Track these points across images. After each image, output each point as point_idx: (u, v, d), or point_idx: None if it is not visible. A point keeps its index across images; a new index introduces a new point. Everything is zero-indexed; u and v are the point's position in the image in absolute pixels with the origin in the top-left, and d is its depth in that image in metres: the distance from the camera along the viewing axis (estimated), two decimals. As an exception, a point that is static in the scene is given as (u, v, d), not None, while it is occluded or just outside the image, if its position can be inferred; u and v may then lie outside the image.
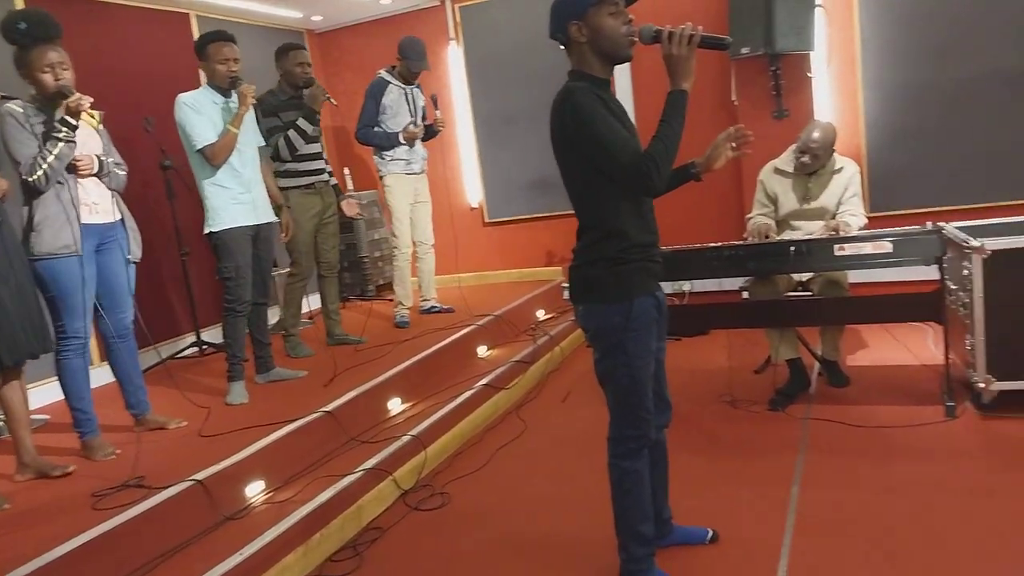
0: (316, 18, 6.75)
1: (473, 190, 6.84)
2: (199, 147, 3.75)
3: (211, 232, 3.84)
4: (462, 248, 6.88)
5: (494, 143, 6.66)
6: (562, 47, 2.32)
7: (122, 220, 3.47)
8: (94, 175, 3.30)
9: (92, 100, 3.16)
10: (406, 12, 6.74)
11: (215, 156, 3.76)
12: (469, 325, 4.98)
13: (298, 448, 3.38)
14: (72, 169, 3.18)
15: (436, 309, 5.50)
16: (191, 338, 5.23)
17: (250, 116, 3.98)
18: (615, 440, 2.38)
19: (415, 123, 5.16)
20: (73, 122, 3.11)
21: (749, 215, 4.30)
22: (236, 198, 3.86)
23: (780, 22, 4.94)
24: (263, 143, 4.19)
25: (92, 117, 3.36)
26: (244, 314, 3.93)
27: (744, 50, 5.10)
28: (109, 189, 3.39)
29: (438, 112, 5.25)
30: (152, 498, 2.78)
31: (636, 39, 2.21)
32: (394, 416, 3.93)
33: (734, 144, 2.46)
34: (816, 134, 3.95)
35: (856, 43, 5.31)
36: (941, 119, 5.16)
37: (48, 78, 3.12)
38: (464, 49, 6.60)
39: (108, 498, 2.86)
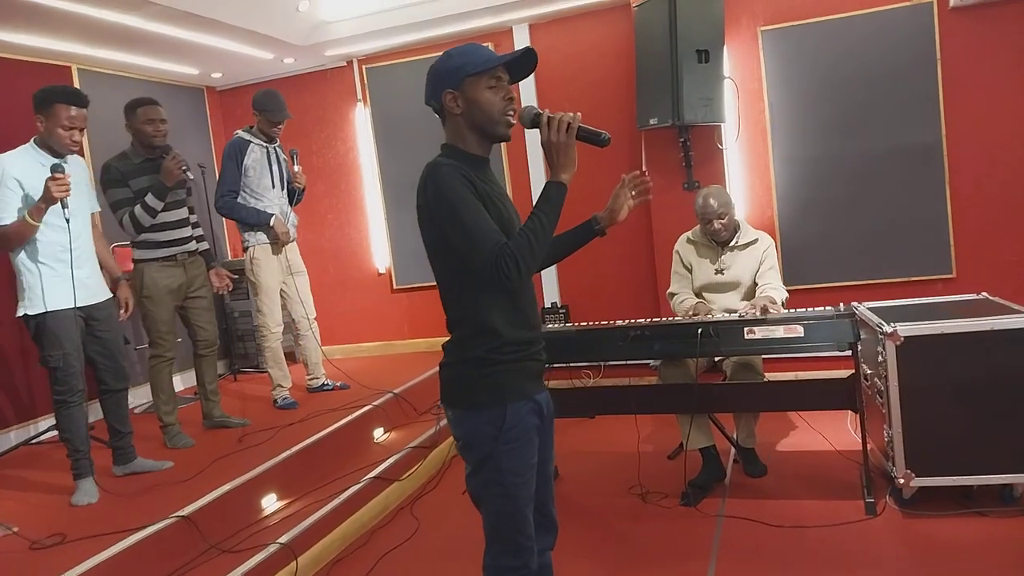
0: (216, 75, 6.40)
1: (381, 255, 6.49)
2: None
3: (27, 315, 3.31)
4: (368, 316, 6.51)
5: (402, 206, 6.33)
6: (437, 115, 2.05)
7: None
8: None
9: None
10: (311, 71, 6.47)
11: (3, 241, 3.25)
12: (365, 405, 4.58)
13: (146, 560, 2.94)
14: None
15: (328, 387, 5.05)
16: (49, 421, 4.65)
17: (84, 179, 3.52)
18: (490, 569, 2.03)
19: (289, 221, 4.74)
20: None
21: (671, 291, 4.10)
22: (60, 275, 3.34)
23: (688, 94, 4.79)
24: (97, 208, 3.69)
25: None
26: (78, 404, 3.41)
27: (652, 121, 4.95)
28: None
29: (297, 167, 4.81)
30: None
31: (514, 120, 1.97)
32: (267, 517, 3.48)
33: (633, 193, 2.25)
34: (712, 200, 3.83)
35: (766, 116, 5.24)
36: (849, 194, 5.09)
37: None
38: (371, 110, 6.33)
39: None
